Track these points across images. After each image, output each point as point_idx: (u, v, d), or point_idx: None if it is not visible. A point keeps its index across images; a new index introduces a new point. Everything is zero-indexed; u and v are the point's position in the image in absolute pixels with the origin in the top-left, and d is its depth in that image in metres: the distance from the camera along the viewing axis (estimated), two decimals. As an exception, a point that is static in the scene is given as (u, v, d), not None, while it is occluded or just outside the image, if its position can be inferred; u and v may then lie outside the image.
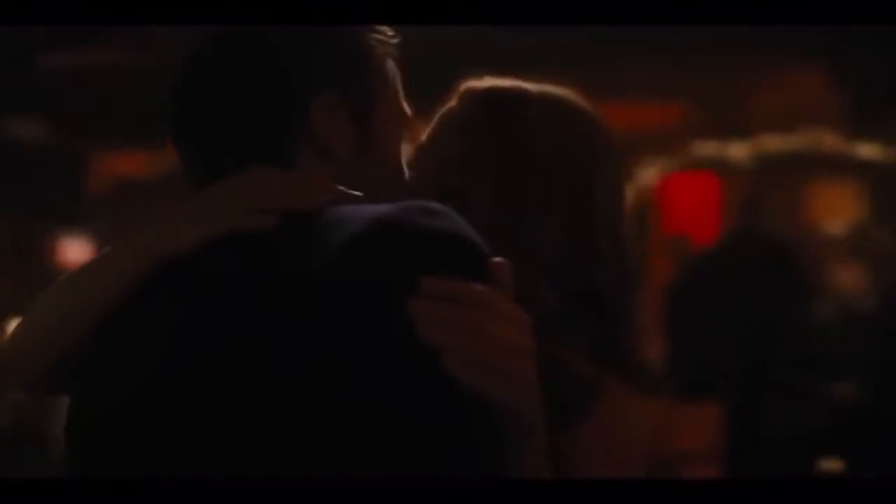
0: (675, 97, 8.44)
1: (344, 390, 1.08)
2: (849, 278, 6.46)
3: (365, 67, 1.32)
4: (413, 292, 1.06)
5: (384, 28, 1.36)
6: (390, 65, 1.36)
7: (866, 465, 4.16)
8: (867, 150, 7.96)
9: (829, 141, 8.10)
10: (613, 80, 6.53)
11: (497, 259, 1.12)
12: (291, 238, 1.17)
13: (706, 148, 8.43)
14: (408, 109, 1.38)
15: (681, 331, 6.03)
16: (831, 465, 3.96)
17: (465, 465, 1.10)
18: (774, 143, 8.15)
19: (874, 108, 7.58)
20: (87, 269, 1.28)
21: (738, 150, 8.32)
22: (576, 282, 1.40)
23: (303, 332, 1.10)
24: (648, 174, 8.48)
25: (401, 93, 1.37)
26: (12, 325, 1.33)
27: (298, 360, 1.10)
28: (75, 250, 8.90)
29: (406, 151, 1.39)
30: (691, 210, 8.61)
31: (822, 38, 6.78)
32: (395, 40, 1.37)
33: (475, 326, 1.06)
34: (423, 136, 1.47)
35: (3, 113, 8.38)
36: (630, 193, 1.54)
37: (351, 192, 1.22)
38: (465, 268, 1.10)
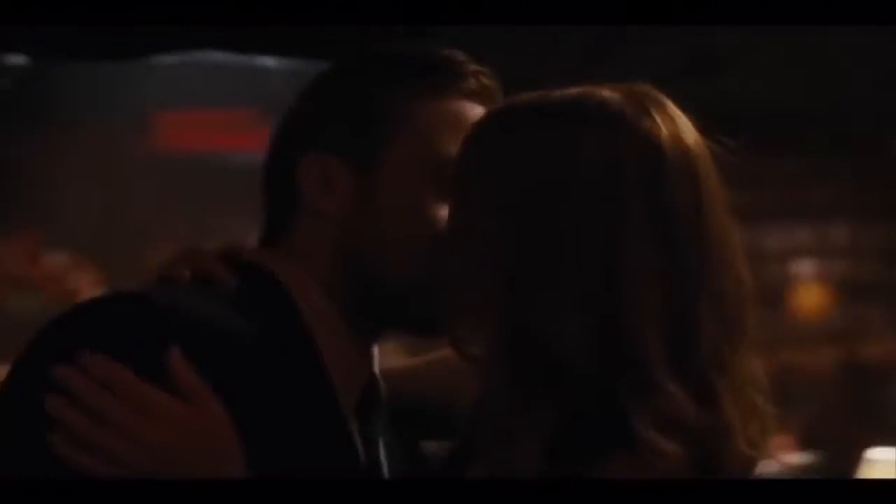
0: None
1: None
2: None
3: (366, 120, 1.28)
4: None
5: (418, 72, 1.31)
6: (418, 109, 1.29)
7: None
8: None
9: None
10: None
11: (173, 353, 1.13)
12: None
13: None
14: (448, 151, 1.27)
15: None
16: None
17: None
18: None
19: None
20: None
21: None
22: (537, 357, 1.16)
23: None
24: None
25: (433, 137, 1.28)
26: None
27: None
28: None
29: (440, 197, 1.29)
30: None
31: None
32: (438, 84, 1.30)
33: (95, 408, 1.11)
34: None
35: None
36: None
37: (214, 264, 1.26)
38: (127, 357, 1.13)
